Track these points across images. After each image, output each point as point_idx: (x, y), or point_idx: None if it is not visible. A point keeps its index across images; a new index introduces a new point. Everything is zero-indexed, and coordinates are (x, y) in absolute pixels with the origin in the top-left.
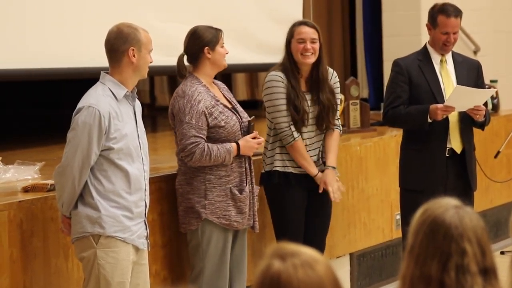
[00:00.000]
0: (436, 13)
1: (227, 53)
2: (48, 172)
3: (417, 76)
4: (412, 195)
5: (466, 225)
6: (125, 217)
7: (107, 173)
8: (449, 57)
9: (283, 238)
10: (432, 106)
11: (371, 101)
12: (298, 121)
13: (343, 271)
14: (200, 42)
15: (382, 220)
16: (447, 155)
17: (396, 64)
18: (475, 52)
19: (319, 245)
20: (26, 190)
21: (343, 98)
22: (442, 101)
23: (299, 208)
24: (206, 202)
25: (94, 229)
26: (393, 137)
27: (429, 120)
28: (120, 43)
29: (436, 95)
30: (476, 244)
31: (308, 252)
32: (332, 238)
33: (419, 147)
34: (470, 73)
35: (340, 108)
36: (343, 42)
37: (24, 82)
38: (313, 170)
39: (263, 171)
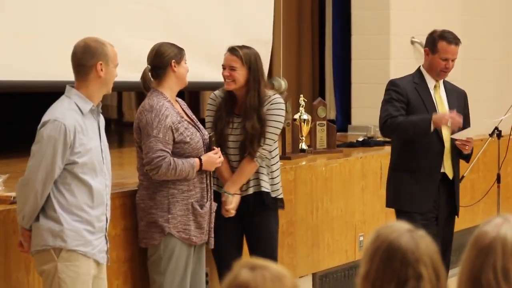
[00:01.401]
0: (436, 39)
1: (187, 71)
2: (12, 185)
3: (414, 99)
4: (408, 216)
5: (422, 250)
6: (87, 231)
7: (71, 187)
8: (441, 83)
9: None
10: (438, 114)
11: (338, 122)
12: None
13: None
14: (166, 56)
15: (346, 241)
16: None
17: (393, 83)
18: None
19: None
20: None
21: (310, 119)
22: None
23: (226, 228)
24: (169, 216)
25: (56, 242)
26: (359, 159)
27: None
28: (87, 58)
29: None
30: (431, 268)
31: (276, 267)
32: (296, 258)
33: (412, 169)
34: (459, 101)
35: (306, 128)
36: (312, 63)
37: None
38: (229, 188)
39: None
